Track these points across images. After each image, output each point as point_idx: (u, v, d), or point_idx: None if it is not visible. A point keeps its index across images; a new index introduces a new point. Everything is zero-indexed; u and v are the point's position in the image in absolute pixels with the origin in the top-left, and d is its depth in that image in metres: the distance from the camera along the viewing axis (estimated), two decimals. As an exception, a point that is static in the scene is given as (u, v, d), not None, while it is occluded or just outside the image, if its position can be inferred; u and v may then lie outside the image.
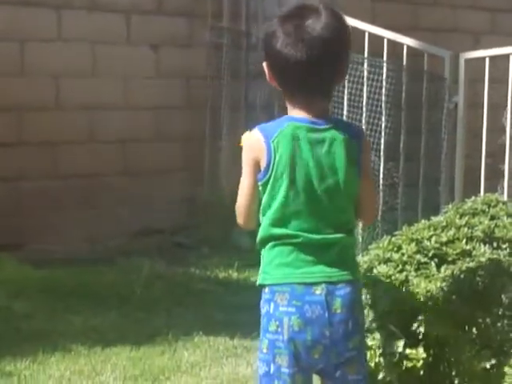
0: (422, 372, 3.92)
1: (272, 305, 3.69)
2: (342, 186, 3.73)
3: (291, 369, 3.66)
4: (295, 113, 3.75)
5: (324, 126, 3.76)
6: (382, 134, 9.16)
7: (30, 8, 9.37)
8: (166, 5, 10.16)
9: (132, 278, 8.44)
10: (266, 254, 3.76)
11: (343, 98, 9.25)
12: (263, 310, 3.74)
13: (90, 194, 9.53)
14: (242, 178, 3.86)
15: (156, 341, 6.91)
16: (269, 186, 3.71)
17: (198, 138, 10.15)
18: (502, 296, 4.07)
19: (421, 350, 3.93)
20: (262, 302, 3.75)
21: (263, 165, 3.72)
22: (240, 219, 3.89)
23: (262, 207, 3.76)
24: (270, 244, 3.73)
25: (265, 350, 3.74)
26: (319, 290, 3.65)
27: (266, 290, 3.72)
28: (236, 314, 7.36)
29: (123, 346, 6.88)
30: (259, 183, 3.75)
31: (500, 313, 4.07)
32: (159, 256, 9.01)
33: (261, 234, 3.77)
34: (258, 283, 3.80)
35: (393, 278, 3.99)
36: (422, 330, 3.94)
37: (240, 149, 3.94)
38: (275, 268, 3.71)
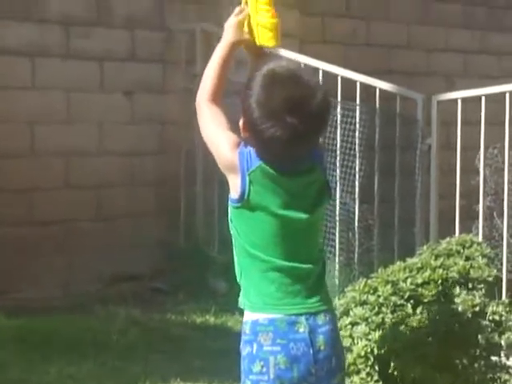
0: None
1: (255, 345, 3.67)
2: (312, 219, 3.79)
3: None
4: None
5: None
6: (357, 176, 9.20)
7: (5, 56, 9.39)
8: (139, 51, 10.20)
9: (108, 326, 8.42)
10: (244, 283, 3.77)
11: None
12: (244, 352, 3.71)
13: (66, 241, 9.51)
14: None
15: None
16: (243, 215, 3.72)
17: (172, 183, 10.16)
18: (479, 337, 4.09)
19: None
20: (242, 343, 3.73)
21: (237, 190, 3.72)
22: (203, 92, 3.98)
23: (237, 233, 3.76)
24: (250, 272, 3.74)
25: None
26: (302, 328, 3.65)
27: (247, 331, 3.70)
28: (214, 359, 7.34)
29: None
30: (233, 205, 3.76)
31: (477, 353, 4.09)
32: (135, 302, 8.98)
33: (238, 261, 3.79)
34: (240, 306, 3.79)
35: (369, 320, 4.00)
36: (398, 372, 3.95)
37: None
38: (255, 297, 3.73)
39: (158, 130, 9.96)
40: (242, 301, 3.79)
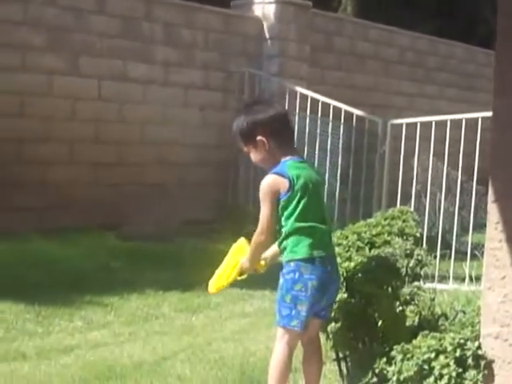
0: (356, 313, 3.92)
1: (297, 274, 3.57)
2: (322, 192, 3.76)
3: (307, 312, 3.60)
4: (289, 157, 3.67)
5: (302, 159, 3.78)
6: (339, 168, 9.21)
7: (125, 83, 9.43)
8: (210, 83, 10.22)
9: (182, 250, 8.46)
10: (293, 240, 3.60)
11: (316, 146, 9.32)
12: (288, 277, 3.59)
13: (160, 197, 9.52)
14: (263, 211, 3.61)
15: (195, 289, 6.93)
16: (292, 201, 3.58)
17: (225, 165, 10.18)
18: (408, 269, 4.08)
19: (357, 301, 3.92)
20: (286, 272, 3.60)
21: (284, 190, 3.57)
22: (263, 236, 3.62)
23: (287, 214, 3.59)
24: (296, 234, 3.60)
25: (288, 301, 3.59)
26: (327, 265, 3.60)
27: (292, 264, 3.59)
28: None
29: (176, 290, 6.92)
30: (283, 199, 3.58)
31: (406, 279, 4.07)
32: (199, 236, 9.03)
33: (289, 228, 3.60)
34: (286, 260, 3.62)
35: (341, 255, 3.97)
36: (357, 288, 3.94)
37: None
38: (301, 248, 3.59)
39: (218, 133, 9.99)
40: (287, 253, 3.62)
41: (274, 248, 3.77)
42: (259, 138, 3.66)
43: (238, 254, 3.80)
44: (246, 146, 3.74)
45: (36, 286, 6.64)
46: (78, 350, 5.12)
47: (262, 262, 3.80)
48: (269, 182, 3.61)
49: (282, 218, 3.62)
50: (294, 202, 3.58)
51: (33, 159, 8.67)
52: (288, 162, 3.64)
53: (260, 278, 4.06)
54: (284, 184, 3.57)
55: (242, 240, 3.83)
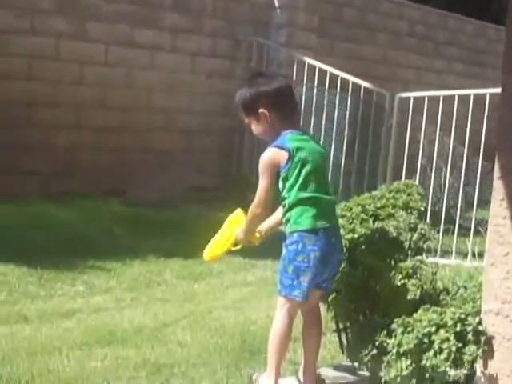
0: (358, 285, 3.92)
1: (300, 245, 3.56)
2: (326, 164, 3.73)
3: (309, 283, 3.60)
4: (290, 130, 3.65)
5: (303, 132, 3.76)
6: (345, 140, 9.18)
7: (132, 49, 9.38)
8: (217, 51, 10.18)
9: (185, 217, 8.48)
10: (297, 211, 3.59)
11: (323, 118, 9.29)
12: (291, 248, 3.58)
13: (166, 162, 9.54)
14: (261, 184, 3.61)
15: (198, 256, 6.92)
16: (292, 172, 3.56)
17: (230, 134, 10.14)
18: (411, 242, 4.07)
19: (359, 273, 3.92)
20: (289, 243, 3.59)
21: (284, 163, 3.56)
22: (260, 209, 3.62)
23: (288, 185, 3.58)
24: (299, 205, 3.59)
25: (290, 272, 3.59)
26: (330, 236, 3.60)
27: (295, 235, 3.59)
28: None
29: (178, 257, 6.94)
30: (283, 171, 3.56)
31: (408, 253, 4.07)
32: (202, 203, 9.04)
33: (292, 200, 3.59)
34: (289, 231, 3.61)
35: (345, 227, 3.97)
36: (359, 259, 3.94)
37: None
38: (305, 219, 3.58)
39: (225, 101, 9.95)
40: (291, 224, 3.61)
41: (270, 221, 3.78)
42: (261, 110, 3.65)
43: (234, 225, 3.81)
44: (247, 118, 3.73)
45: (39, 249, 6.66)
46: (79, 314, 5.14)
47: (257, 234, 3.81)
48: (269, 155, 3.60)
49: (285, 190, 3.62)
50: (295, 173, 3.57)
51: (41, 123, 8.66)
52: (288, 135, 3.62)
53: (262, 248, 4.07)
54: (284, 157, 3.56)
55: (238, 211, 3.84)
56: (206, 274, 6.51)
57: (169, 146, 9.71)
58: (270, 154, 3.60)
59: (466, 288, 4.23)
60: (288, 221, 3.65)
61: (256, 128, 3.71)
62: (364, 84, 9.22)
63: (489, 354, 3.40)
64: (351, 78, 9.23)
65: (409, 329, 3.52)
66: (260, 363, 4.13)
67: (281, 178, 3.60)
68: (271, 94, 3.64)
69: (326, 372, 4.01)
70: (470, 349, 3.39)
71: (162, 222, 8.09)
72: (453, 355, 3.38)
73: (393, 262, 3.98)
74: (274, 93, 3.65)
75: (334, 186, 8.40)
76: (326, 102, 9.35)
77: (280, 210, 3.75)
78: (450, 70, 13.69)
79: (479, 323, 3.43)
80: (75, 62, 8.86)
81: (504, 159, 3.38)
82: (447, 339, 3.41)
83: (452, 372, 3.40)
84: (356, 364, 3.93)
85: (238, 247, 3.84)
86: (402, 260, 4.00)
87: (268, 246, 4.01)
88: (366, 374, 3.87)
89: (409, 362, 3.47)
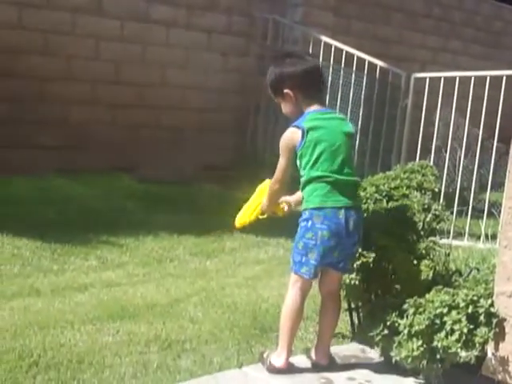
0: (371, 265, 3.93)
1: (310, 222, 3.59)
2: (348, 143, 3.70)
3: (316, 261, 3.61)
4: (313, 108, 3.66)
5: (328, 110, 3.78)
6: (360, 120, 9.15)
7: (147, 24, 9.34)
8: (233, 28, 10.13)
9: (199, 195, 8.49)
10: (309, 189, 3.63)
11: (338, 97, 9.26)
12: (302, 224, 3.62)
13: (179, 141, 9.52)
14: (280, 162, 3.66)
15: (210, 233, 6.98)
16: (306, 151, 3.59)
17: (245, 111, 10.11)
18: (425, 222, 4.06)
19: (372, 254, 3.91)
20: (301, 220, 3.63)
21: (299, 142, 3.59)
22: (278, 185, 3.71)
23: (303, 163, 3.61)
24: (311, 183, 3.62)
25: (300, 248, 3.63)
26: (341, 215, 3.59)
27: (306, 212, 3.62)
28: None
29: (191, 234, 6.95)
30: (298, 149, 3.59)
31: (422, 233, 4.06)
32: (216, 182, 9.04)
33: (305, 178, 3.62)
34: (303, 208, 3.65)
35: (359, 207, 3.96)
36: (372, 240, 3.93)
37: None
38: (315, 197, 3.60)
39: (240, 78, 9.92)
40: (304, 202, 3.65)
41: (298, 195, 3.81)
42: (286, 90, 3.68)
43: (262, 195, 3.89)
44: (275, 97, 3.77)
45: (52, 223, 6.68)
46: (92, 289, 5.16)
47: (282, 206, 3.88)
48: (287, 135, 3.66)
49: (301, 168, 3.66)
50: (309, 152, 3.60)
51: (54, 98, 8.66)
52: (308, 115, 3.65)
53: (275, 226, 4.08)
54: (299, 136, 3.60)
55: (266, 181, 3.90)
56: (219, 251, 6.53)
57: (183, 123, 9.68)
58: (288, 134, 3.66)
59: (478, 270, 4.23)
60: (303, 198, 3.69)
61: (284, 107, 3.75)
62: (380, 63, 9.17)
63: (500, 336, 3.40)
64: (367, 58, 9.18)
65: (421, 309, 3.53)
66: (271, 341, 4.14)
67: (297, 156, 3.64)
68: (296, 75, 3.66)
69: (337, 350, 4.01)
70: (482, 331, 3.39)
71: (174, 198, 8.11)
72: (464, 337, 3.39)
73: (406, 243, 3.99)
74: (299, 74, 3.67)
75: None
76: (341, 81, 9.30)
77: None
78: (465, 52, 13.59)
79: (491, 305, 3.43)
80: (91, 37, 8.85)
81: (520, 141, 3.36)
82: (459, 320, 3.41)
83: (463, 353, 3.40)
84: (366, 344, 3.94)
85: (265, 216, 3.93)
86: (415, 241, 4.01)
87: (281, 224, 4.01)
88: (377, 353, 3.87)
89: (420, 342, 3.48)
